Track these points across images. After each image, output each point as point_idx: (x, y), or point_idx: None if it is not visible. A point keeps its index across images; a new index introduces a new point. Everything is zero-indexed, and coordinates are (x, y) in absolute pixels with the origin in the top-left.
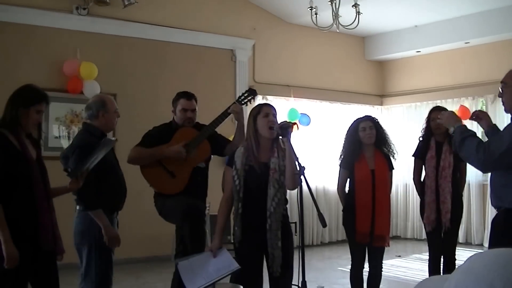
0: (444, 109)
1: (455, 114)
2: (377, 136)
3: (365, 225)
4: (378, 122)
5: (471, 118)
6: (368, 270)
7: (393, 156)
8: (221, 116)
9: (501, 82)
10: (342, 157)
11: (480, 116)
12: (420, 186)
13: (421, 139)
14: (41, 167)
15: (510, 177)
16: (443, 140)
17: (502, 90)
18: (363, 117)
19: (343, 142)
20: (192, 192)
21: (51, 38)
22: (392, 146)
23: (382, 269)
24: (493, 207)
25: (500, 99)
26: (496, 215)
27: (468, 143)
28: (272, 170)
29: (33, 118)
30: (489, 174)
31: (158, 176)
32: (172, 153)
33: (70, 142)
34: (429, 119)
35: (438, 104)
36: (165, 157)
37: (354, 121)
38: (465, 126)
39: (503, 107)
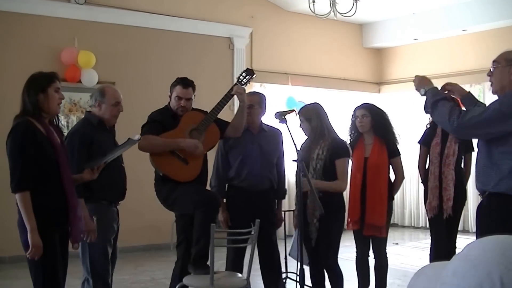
0: (453, 98)
1: (427, 77)
2: (375, 123)
3: (354, 212)
4: (375, 109)
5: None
6: (373, 258)
7: (396, 143)
8: (225, 98)
9: (493, 61)
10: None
11: (448, 88)
12: (424, 173)
13: (428, 126)
14: (65, 152)
15: (493, 160)
16: None
17: (492, 70)
18: (361, 105)
19: (348, 132)
20: (200, 179)
21: (48, 27)
22: (394, 132)
23: (387, 258)
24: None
25: (489, 79)
26: (481, 201)
27: (441, 106)
28: (311, 158)
29: (54, 98)
30: (475, 158)
31: (170, 163)
32: (189, 146)
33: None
34: None
35: None
36: (181, 148)
37: (355, 108)
38: (436, 88)
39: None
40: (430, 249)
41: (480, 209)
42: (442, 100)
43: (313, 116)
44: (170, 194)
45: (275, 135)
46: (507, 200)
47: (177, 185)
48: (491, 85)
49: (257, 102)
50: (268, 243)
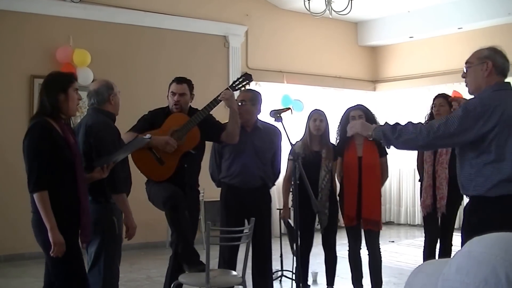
0: (448, 96)
1: (359, 122)
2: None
3: (351, 209)
4: (369, 111)
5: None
6: (367, 254)
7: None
8: (212, 103)
9: (466, 62)
10: (336, 145)
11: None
12: (422, 172)
13: None
14: (79, 153)
15: (472, 170)
16: None
17: (466, 71)
18: (354, 106)
19: (336, 130)
20: (178, 180)
21: (44, 25)
22: None
23: (381, 252)
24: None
25: (464, 80)
26: (467, 203)
27: (405, 133)
28: (324, 158)
29: (74, 98)
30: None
31: (147, 162)
32: (160, 143)
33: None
34: (432, 106)
35: (430, 90)
36: (153, 145)
37: (346, 110)
38: (379, 125)
39: None
40: (424, 247)
41: (465, 211)
42: (400, 128)
43: None
44: (149, 193)
45: (271, 132)
46: (488, 202)
47: (154, 184)
48: (466, 85)
49: (249, 99)
50: (260, 243)
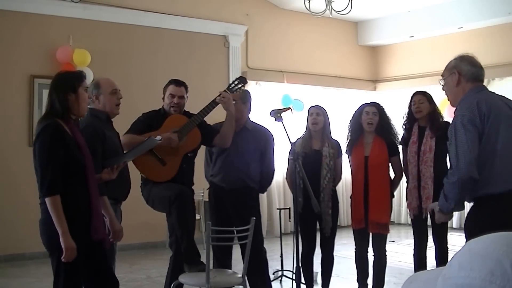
0: (425, 93)
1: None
2: (380, 123)
3: (358, 211)
4: (383, 109)
5: None
6: (373, 255)
7: (396, 142)
8: (211, 105)
9: (441, 75)
10: (347, 143)
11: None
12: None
13: (404, 127)
14: (90, 154)
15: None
16: (426, 125)
17: (442, 85)
18: (369, 102)
19: (348, 127)
20: (179, 180)
21: (44, 25)
22: (396, 134)
23: (386, 255)
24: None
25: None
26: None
27: (448, 191)
28: (324, 156)
29: (84, 97)
30: None
31: (148, 163)
32: (163, 140)
33: None
34: (410, 104)
35: (430, 90)
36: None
37: (361, 105)
38: (440, 209)
39: (498, 91)
40: (414, 251)
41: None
42: (443, 199)
43: None
44: (149, 196)
45: (259, 134)
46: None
47: (154, 186)
48: (448, 99)
49: (239, 97)
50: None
